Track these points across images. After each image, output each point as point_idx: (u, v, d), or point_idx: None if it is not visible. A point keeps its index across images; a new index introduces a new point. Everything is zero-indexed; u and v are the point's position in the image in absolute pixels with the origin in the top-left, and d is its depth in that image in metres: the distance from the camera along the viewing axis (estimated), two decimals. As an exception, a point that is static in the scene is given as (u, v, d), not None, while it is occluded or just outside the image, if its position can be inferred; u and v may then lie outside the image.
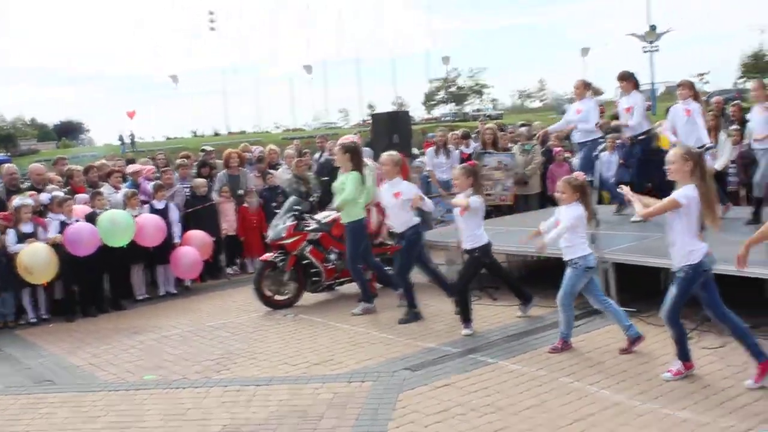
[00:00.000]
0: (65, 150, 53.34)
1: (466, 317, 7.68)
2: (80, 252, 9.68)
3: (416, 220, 8.38)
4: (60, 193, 10.47)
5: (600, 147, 10.68)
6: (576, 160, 10.94)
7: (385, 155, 8.51)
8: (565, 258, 6.73)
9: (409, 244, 8.30)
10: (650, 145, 10.04)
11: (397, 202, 8.26)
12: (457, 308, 7.90)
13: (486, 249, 7.63)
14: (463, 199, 7.44)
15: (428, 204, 8.42)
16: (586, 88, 10.21)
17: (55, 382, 7.24)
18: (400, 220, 8.34)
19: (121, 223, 10.02)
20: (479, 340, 7.34)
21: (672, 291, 5.76)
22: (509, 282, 8.23)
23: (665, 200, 5.70)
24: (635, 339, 6.58)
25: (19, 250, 9.38)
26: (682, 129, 9.33)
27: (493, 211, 12.57)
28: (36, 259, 9.37)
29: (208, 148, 15.22)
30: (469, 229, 7.56)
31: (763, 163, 9.04)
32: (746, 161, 10.81)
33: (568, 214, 6.65)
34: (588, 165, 10.05)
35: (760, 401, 5.28)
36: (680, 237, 5.65)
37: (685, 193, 5.55)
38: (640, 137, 9.80)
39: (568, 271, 6.69)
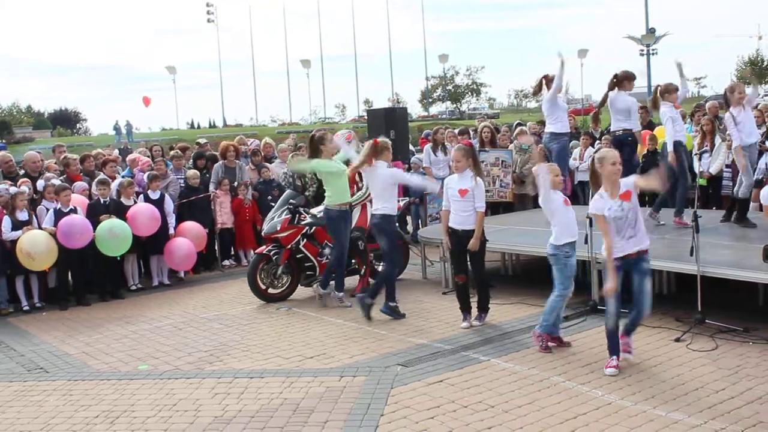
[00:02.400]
0: (60, 139, 52.98)
1: (483, 306, 7.87)
2: (72, 245, 9.64)
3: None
4: (57, 181, 10.45)
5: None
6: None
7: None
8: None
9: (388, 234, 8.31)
10: (635, 148, 10.18)
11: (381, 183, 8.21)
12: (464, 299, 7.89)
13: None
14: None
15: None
16: (547, 80, 10.30)
17: (47, 370, 7.23)
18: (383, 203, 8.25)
19: (119, 235, 10.00)
20: (472, 338, 7.35)
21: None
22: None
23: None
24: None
25: (14, 238, 9.39)
26: (670, 128, 9.32)
27: (490, 209, 12.60)
28: (37, 246, 9.37)
29: (203, 141, 15.20)
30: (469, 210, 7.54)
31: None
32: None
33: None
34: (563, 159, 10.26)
35: (752, 404, 5.30)
36: None
37: None
38: (629, 139, 9.73)
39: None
